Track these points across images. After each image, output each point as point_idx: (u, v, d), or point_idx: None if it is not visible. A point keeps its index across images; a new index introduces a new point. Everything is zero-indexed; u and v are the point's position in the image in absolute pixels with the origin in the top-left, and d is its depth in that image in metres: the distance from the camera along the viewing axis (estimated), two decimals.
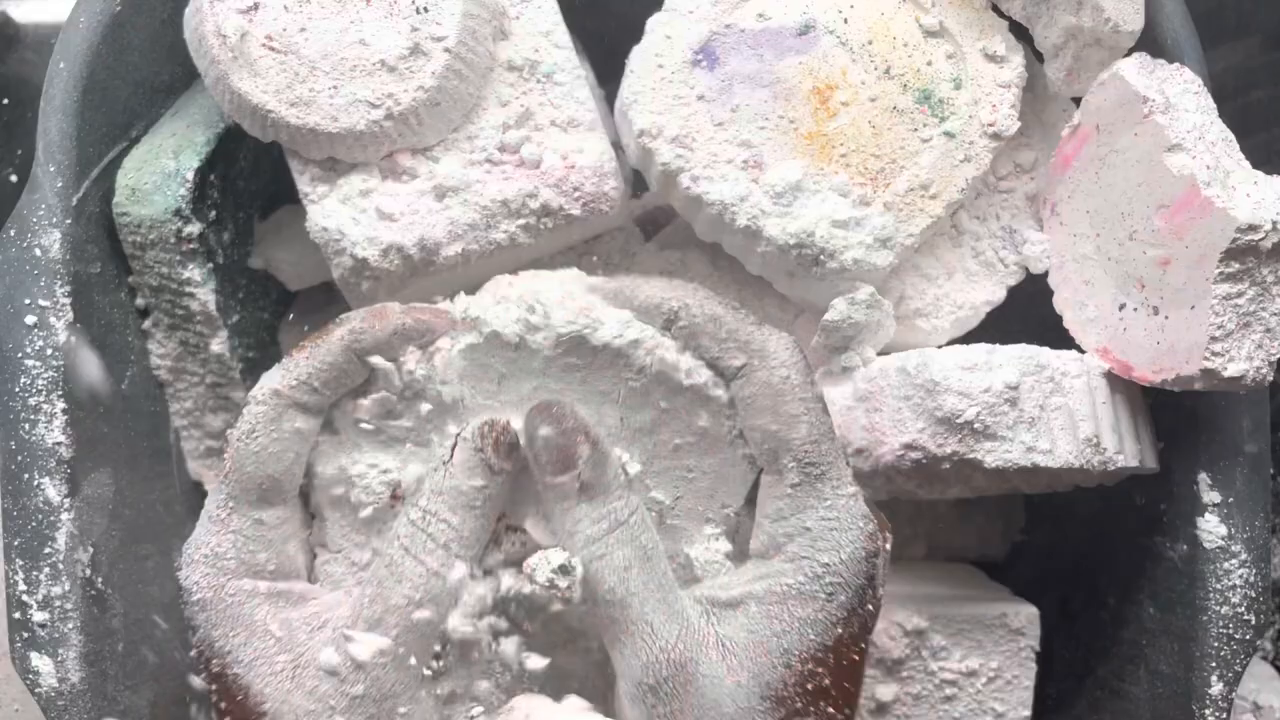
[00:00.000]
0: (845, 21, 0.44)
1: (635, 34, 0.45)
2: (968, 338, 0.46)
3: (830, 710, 0.35)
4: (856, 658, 0.36)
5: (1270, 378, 0.40)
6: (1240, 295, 0.39)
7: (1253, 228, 0.38)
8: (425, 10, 0.42)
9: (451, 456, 0.36)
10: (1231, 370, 0.39)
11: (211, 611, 0.36)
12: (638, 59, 0.45)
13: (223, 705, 0.36)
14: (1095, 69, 0.44)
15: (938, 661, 0.45)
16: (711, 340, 0.37)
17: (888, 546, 0.37)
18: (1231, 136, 0.42)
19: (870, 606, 0.36)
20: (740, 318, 0.38)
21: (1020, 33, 0.45)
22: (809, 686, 0.35)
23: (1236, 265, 0.39)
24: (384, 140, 0.43)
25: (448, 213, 0.43)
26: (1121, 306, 0.43)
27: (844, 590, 0.35)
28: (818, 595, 0.35)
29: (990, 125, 0.44)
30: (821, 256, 0.43)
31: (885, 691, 0.44)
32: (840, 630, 0.35)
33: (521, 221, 0.44)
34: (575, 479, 0.35)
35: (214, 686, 0.36)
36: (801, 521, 0.36)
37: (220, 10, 0.42)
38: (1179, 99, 0.41)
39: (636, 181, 0.47)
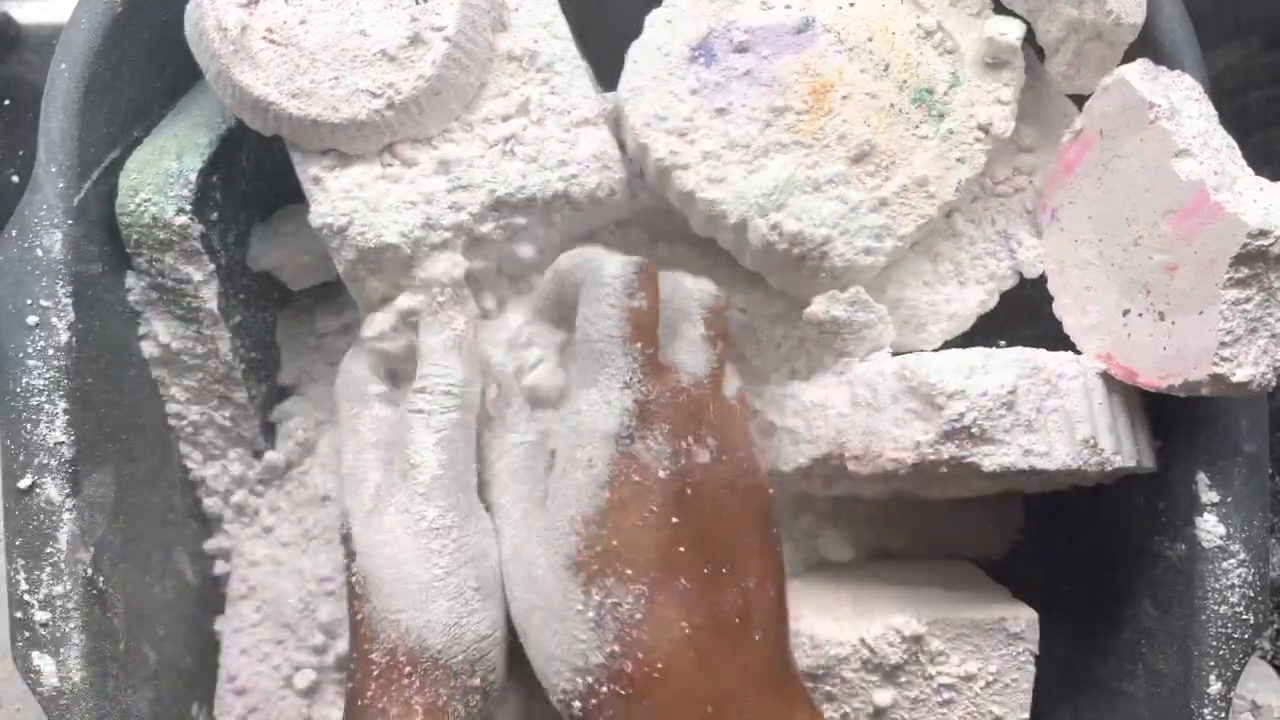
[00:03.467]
0: (844, 19, 0.44)
1: (634, 31, 0.45)
2: (963, 341, 0.46)
3: (629, 572, 0.37)
4: (643, 520, 0.37)
5: (1275, 383, 0.40)
6: (1249, 300, 0.39)
7: (1263, 233, 0.38)
8: (425, 0, 0.43)
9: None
10: (1240, 376, 0.39)
11: None
12: (636, 54, 0.45)
13: None
14: (1097, 64, 0.44)
15: (935, 666, 0.45)
16: None
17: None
18: (1234, 143, 0.42)
19: (637, 473, 0.38)
20: None
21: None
22: (597, 549, 0.37)
23: (1246, 270, 0.39)
24: (385, 130, 0.43)
25: (450, 198, 0.43)
26: (1126, 312, 0.43)
27: (599, 460, 0.38)
28: (578, 464, 0.39)
29: (986, 126, 0.44)
30: (812, 255, 0.43)
31: (882, 697, 0.44)
32: (608, 494, 0.38)
33: (522, 212, 0.44)
34: None
35: None
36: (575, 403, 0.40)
37: (220, 4, 0.42)
38: (1182, 105, 0.41)
39: (636, 177, 0.47)
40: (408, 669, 0.38)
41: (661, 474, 0.38)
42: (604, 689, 0.37)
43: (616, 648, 0.36)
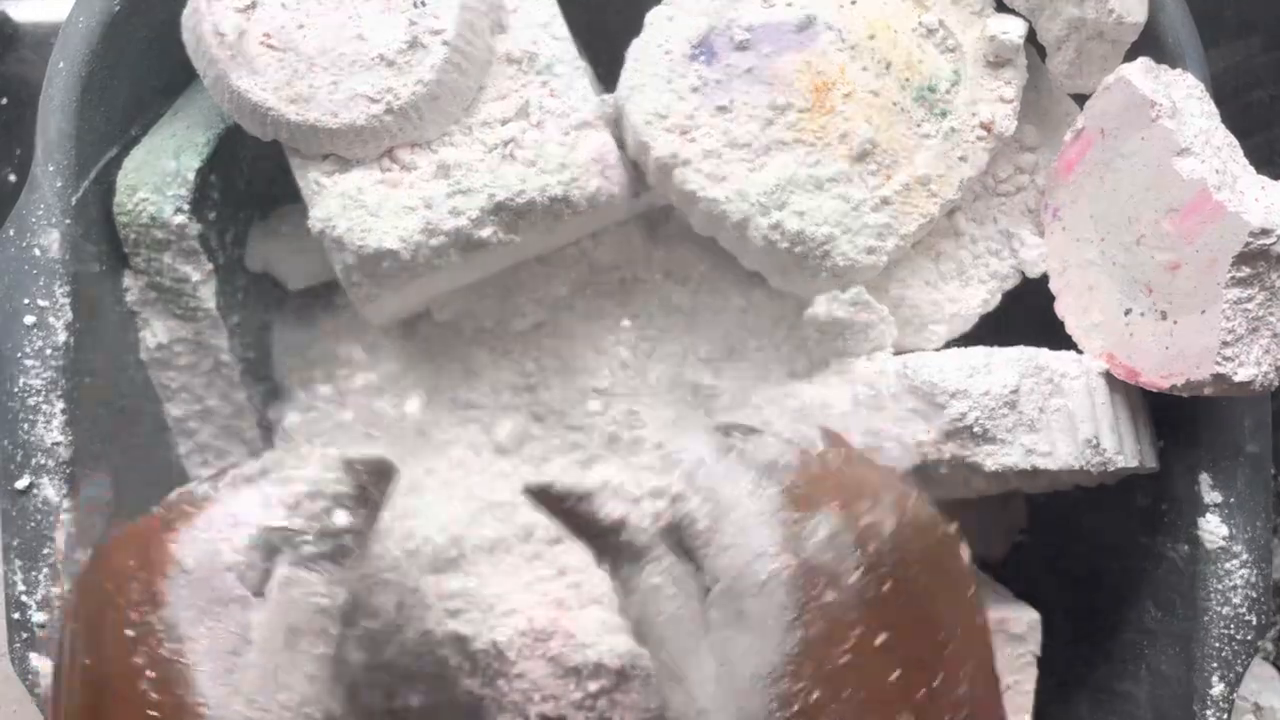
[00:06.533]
0: (846, 17, 0.44)
1: (634, 30, 0.45)
2: (965, 340, 0.46)
3: None
4: (851, 652, 0.29)
5: (1278, 382, 0.40)
6: (1250, 300, 0.39)
7: (1265, 232, 0.38)
8: (423, 4, 0.42)
9: None
10: (1242, 375, 0.39)
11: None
12: (637, 52, 0.45)
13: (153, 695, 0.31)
14: (1098, 63, 0.44)
15: None
16: None
17: (866, 520, 0.31)
18: (1235, 142, 0.42)
19: (828, 586, 0.30)
20: None
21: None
22: (795, 708, 0.29)
23: (1247, 269, 0.39)
24: (384, 135, 0.43)
25: (449, 203, 0.43)
26: (1128, 311, 0.43)
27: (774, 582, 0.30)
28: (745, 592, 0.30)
29: (988, 125, 0.44)
30: (814, 254, 0.43)
31: None
32: (800, 632, 0.29)
33: (524, 215, 0.44)
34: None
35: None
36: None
37: (218, 9, 0.42)
38: (1184, 104, 0.41)
39: (636, 176, 0.47)
40: None
41: (854, 576, 0.29)
42: None
43: None
